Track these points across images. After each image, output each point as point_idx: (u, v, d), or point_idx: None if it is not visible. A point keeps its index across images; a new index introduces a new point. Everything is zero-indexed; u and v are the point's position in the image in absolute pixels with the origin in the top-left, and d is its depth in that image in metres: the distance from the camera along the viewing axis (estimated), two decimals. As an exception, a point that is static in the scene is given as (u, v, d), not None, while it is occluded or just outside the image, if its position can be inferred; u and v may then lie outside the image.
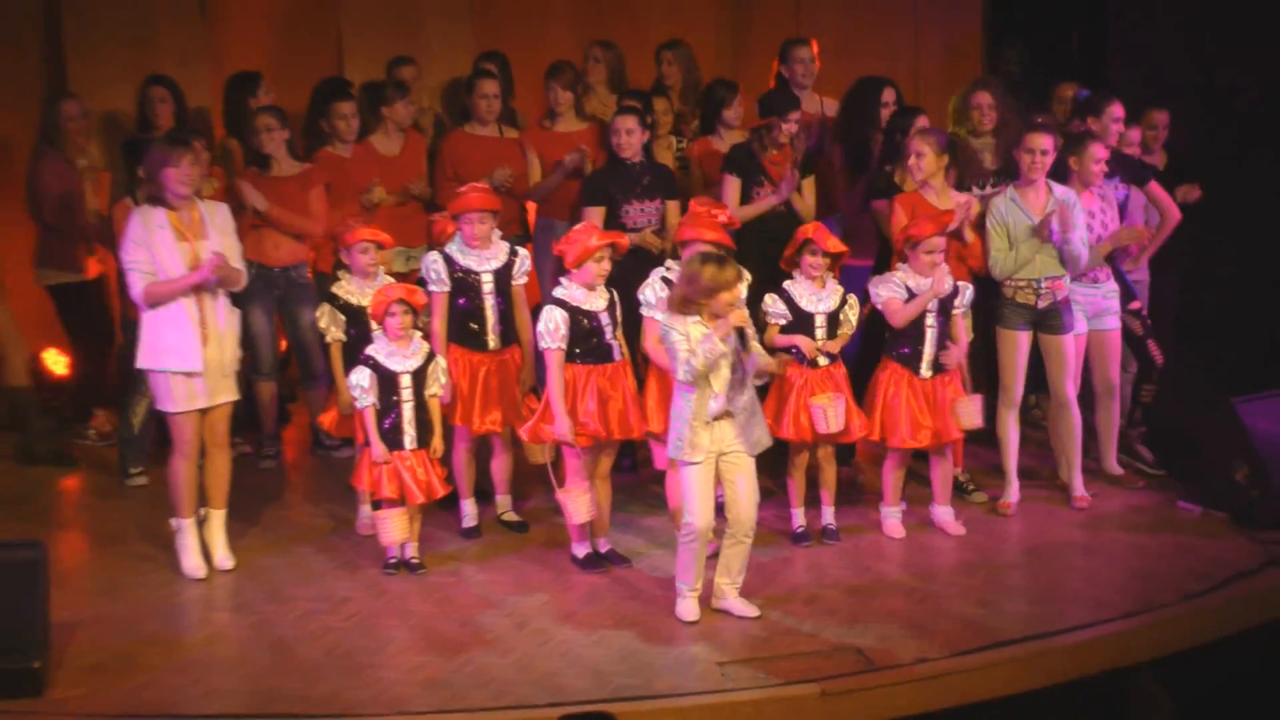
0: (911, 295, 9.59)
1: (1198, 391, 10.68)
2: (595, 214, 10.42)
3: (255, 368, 11.09)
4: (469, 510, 10.00)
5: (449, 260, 9.68)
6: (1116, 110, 10.51)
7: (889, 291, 9.64)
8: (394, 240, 10.37)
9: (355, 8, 13.31)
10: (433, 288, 9.68)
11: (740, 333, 8.40)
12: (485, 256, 9.71)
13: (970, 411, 9.75)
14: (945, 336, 9.67)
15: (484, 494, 10.14)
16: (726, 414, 8.52)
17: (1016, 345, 10.06)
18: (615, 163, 10.60)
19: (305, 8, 13.18)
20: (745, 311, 8.42)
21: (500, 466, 10.09)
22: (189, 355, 9.12)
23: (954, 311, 9.70)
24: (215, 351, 9.20)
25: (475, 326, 9.72)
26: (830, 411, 9.50)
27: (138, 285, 9.08)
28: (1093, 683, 8.28)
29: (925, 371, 9.68)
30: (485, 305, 9.70)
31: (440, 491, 9.47)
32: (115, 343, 11.62)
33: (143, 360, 9.26)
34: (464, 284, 9.68)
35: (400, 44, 12.92)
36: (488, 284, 9.69)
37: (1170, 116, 11.10)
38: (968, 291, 9.79)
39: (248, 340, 10.77)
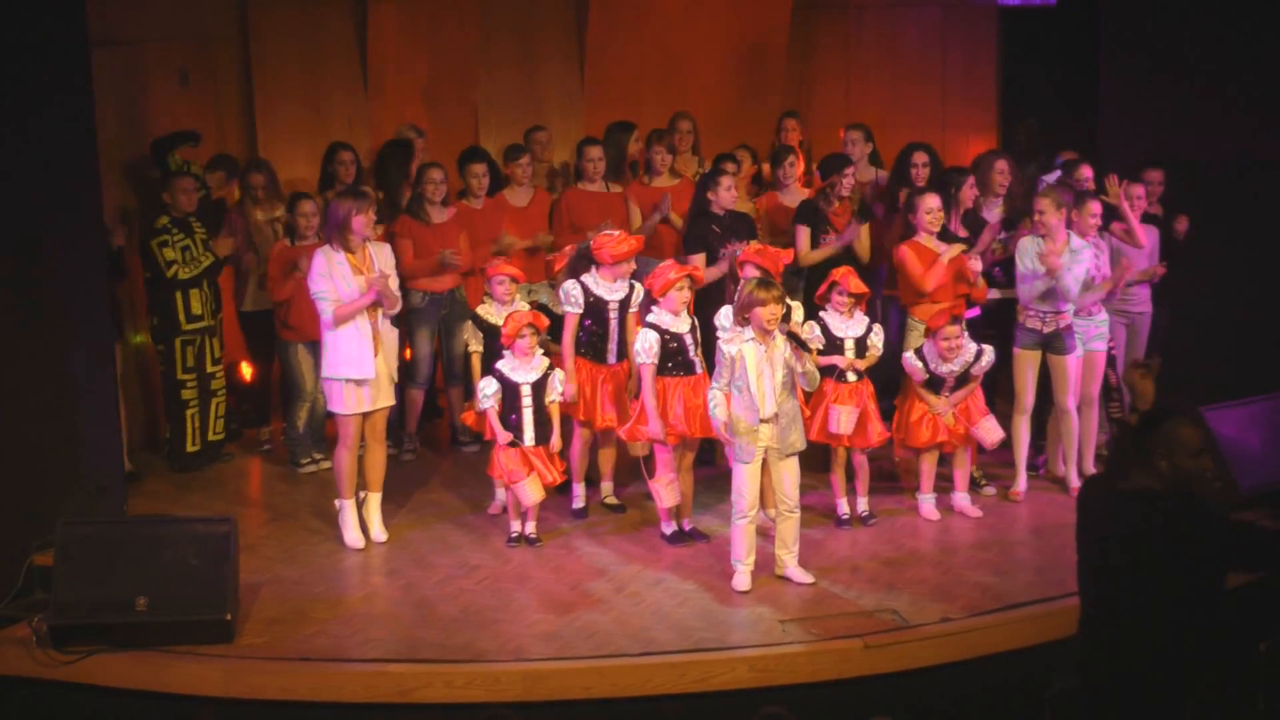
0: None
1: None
2: (698, 259, 10.29)
3: (412, 377, 11.06)
4: (579, 493, 9.96)
5: (585, 288, 9.65)
6: (1085, 172, 10.50)
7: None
8: (524, 277, 10.37)
9: (490, 86, 13.29)
10: (568, 309, 9.65)
11: (795, 338, 8.43)
12: (614, 289, 9.67)
13: (990, 428, 9.72)
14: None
15: (590, 481, 10.08)
16: (775, 418, 8.49)
17: (1028, 362, 9.96)
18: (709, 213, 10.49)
19: (447, 85, 13.17)
20: (798, 323, 8.44)
21: (605, 459, 10.03)
22: (364, 365, 9.18)
23: (972, 372, 9.66)
24: (382, 363, 9.26)
25: (600, 345, 9.69)
26: (844, 417, 9.43)
27: (327, 310, 9.14)
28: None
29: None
30: (609, 327, 9.67)
31: (553, 480, 9.45)
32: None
33: (326, 370, 9.30)
34: (594, 309, 9.63)
35: (526, 116, 12.88)
36: (614, 311, 9.66)
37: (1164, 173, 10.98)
38: (989, 354, 9.68)
39: (413, 354, 10.92)
